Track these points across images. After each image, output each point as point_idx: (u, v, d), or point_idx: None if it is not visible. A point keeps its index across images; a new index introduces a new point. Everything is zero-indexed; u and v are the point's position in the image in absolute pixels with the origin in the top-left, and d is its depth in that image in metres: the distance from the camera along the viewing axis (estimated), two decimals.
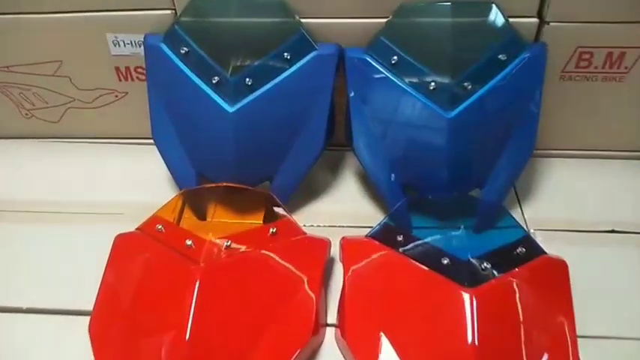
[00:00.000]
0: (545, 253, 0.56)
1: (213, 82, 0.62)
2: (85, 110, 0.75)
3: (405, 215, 0.62)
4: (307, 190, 0.70)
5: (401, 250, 0.56)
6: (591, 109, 0.69)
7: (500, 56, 0.60)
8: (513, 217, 0.60)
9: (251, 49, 0.62)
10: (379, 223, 0.60)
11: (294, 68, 0.62)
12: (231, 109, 0.62)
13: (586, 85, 0.67)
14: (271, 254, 0.56)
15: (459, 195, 0.62)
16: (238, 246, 0.56)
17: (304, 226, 0.63)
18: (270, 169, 0.66)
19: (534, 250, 0.56)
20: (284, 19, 0.63)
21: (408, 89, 0.61)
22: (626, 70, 0.65)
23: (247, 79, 0.62)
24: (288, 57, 0.62)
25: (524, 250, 0.55)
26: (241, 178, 0.64)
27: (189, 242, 0.55)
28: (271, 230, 0.58)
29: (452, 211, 0.62)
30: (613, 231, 0.64)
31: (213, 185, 0.64)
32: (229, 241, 0.56)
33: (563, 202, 0.68)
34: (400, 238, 0.57)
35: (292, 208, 0.67)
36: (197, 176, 0.66)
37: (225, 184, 0.63)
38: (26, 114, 0.77)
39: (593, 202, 0.68)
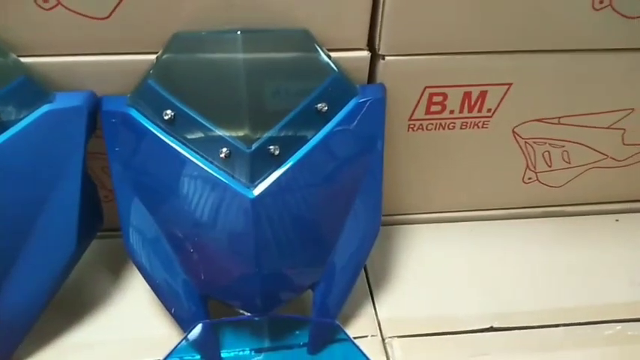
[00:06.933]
0: None
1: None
2: None
3: (210, 341, 0.43)
4: (57, 307, 0.45)
5: None
6: (450, 164, 0.54)
7: (318, 105, 0.42)
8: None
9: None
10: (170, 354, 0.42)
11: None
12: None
13: (442, 135, 0.51)
14: None
15: (277, 316, 0.43)
16: None
17: None
18: None
19: None
20: None
21: (192, 158, 0.41)
22: (489, 114, 0.50)
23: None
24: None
25: None
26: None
27: None
28: None
29: (273, 332, 0.43)
30: (492, 328, 0.48)
31: None
32: None
33: (428, 288, 0.51)
34: None
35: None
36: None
37: None
38: None
39: (468, 286, 0.52)
